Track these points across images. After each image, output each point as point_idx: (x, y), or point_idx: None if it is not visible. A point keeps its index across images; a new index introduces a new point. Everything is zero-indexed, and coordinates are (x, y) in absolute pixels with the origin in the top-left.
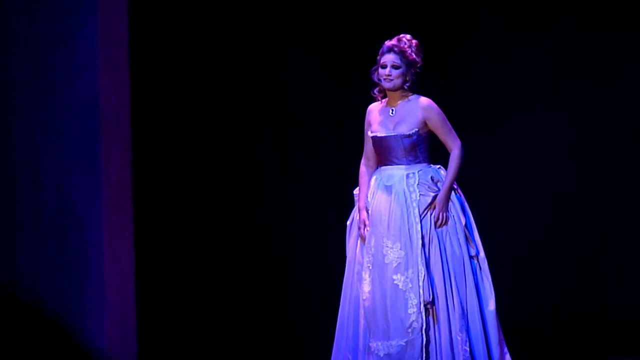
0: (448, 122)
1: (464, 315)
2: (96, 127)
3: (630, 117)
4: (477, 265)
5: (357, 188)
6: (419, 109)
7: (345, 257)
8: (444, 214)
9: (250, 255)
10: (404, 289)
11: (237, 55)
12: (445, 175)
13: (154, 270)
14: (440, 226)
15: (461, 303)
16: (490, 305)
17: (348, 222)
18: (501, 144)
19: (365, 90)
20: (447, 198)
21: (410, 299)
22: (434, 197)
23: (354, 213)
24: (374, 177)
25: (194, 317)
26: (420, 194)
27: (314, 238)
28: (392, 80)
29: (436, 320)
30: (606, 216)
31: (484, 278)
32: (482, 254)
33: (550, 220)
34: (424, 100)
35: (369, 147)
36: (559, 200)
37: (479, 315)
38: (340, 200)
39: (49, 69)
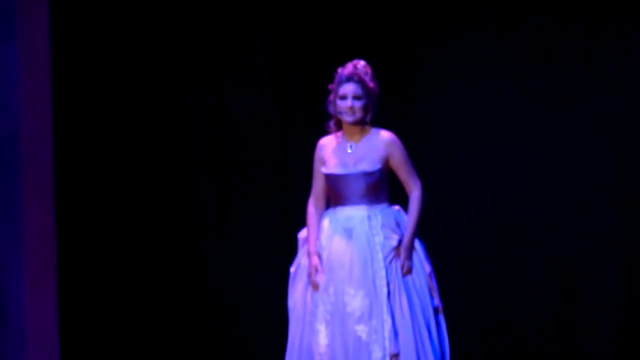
0: (410, 160)
1: None
2: (17, 165)
3: (604, 149)
4: (437, 317)
5: (303, 230)
6: (382, 144)
7: (286, 307)
8: (409, 263)
9: (187, 305)
10: (368, 341)
11: (171, 87)
12: (406, 218)
13: (80, 321)
14: (405, 275)
15: (427, 357)
16: None
17: (292, 269)
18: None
19: (313, 126)
20: (412, 244)
21: (374, 352)
22: (399, 241)
23: (300, 258)
24: (326, 219)
25: None
26: (384, 237)
27: (255, 283)
28: (354, 113)
29: None
30: (581, 255)
31: (443, 332)
32: (440, 305)
33: (516, 263)
34: (386, 135)
35: (319, 185)
36: (525, 240)
37: None
38: (284, 243)
39: None
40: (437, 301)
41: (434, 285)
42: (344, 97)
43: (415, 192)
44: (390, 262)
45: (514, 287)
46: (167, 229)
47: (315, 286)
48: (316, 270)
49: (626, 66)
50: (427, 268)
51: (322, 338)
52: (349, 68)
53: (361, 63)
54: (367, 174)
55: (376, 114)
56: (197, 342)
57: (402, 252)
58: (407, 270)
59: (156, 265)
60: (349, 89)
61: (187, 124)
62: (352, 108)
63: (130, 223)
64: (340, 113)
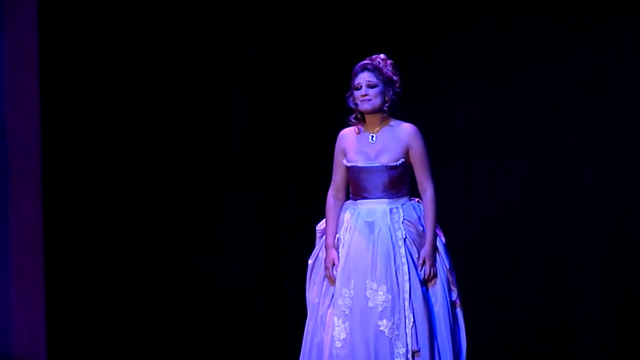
0: (428, 159)
1: None
2: (4, 162)
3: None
4: (455, 311)
5: (322, 222)
6: (405, 135)
7: (304, 299)
8: (434, 269)
9: (173, 303)
10: (390, 336)
11: (163, 86)
12: (423, 215)
13: (68, 319)
14: (430, 280)
15: (440, 353)
16: (462, 356)
17: (310, 261)
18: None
19: (306, 142)
20: (435, 249)
21: (397, 348)
22: (420, 235)
23: (318, 251)
24: (347, 212)
25: None
26: (406, 232)
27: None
28: (369, 100)
29: None
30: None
31: (460, 326)
32: (459, 300)
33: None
34: (409, 127)
35: (339, 177)
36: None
37: None
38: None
39: None
40: (455, 295)
41: (453, 279)
42: (358, 87)
43: (428, 192)
44: (412, 256)
45: (530, 287)
46: (157, 228)
47: (331, 280)
48: (333, 264)
49: None
50: (447, 263)
51: (339, 332)
52: (365, 60)
53: (381, 56)
54: (390, 167)
55: (397, 103)
56: (183, 343)
57: (427, 261)
58: (432, 277)
59: (145, 265)
60: (363, 77)
61: (178, 119)
62: (365, 95)
63: (119, 221)
64: (356, 104)
